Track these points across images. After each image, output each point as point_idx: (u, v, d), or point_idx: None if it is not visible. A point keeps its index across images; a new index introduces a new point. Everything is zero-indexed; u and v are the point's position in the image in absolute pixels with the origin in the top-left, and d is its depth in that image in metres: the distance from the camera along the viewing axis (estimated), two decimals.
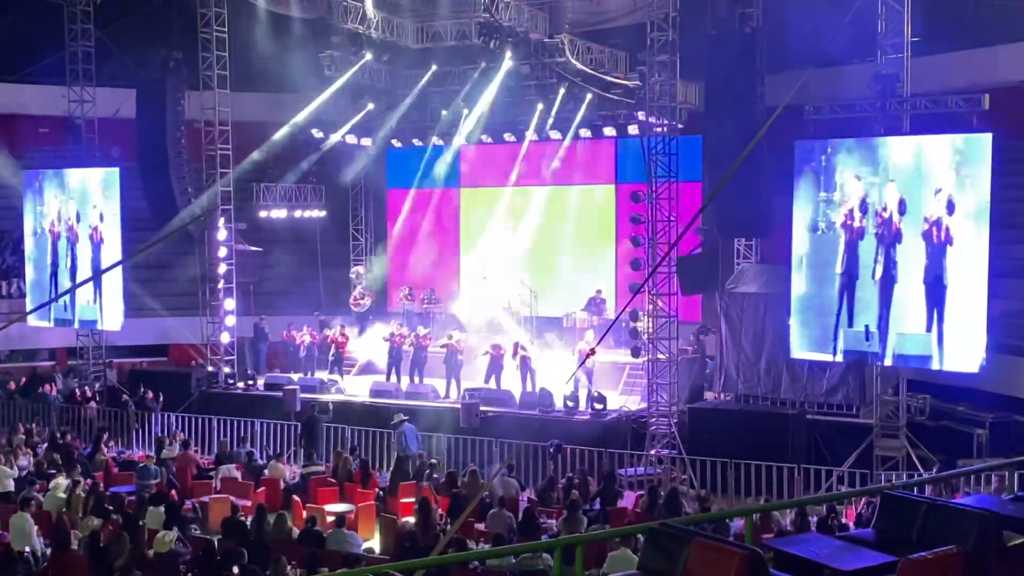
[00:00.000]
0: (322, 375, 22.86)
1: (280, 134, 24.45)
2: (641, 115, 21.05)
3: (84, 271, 23.76)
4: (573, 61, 21.54)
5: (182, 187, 22.96)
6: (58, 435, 19.74)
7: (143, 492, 15.13)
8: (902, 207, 16.41)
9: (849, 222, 16.93)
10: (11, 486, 15.39)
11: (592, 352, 18.36)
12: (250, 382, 22.86)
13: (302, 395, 20.77)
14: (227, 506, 14.14)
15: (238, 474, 16.82)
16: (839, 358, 17.56)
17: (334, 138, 25.51)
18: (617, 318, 19.59)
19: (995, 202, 15.83)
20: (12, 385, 23.93)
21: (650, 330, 19.41)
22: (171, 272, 25.59)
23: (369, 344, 24.33)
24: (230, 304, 23.45)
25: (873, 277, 16.74)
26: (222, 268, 23.36)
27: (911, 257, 16.34)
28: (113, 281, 22.97)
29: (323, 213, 28.11)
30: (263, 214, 27.00)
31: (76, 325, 24.47)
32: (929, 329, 16.26)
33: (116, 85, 24.51)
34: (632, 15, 21.35)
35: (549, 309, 23.81)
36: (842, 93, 19.03)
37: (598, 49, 22.30)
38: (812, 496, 15.64)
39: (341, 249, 27.89)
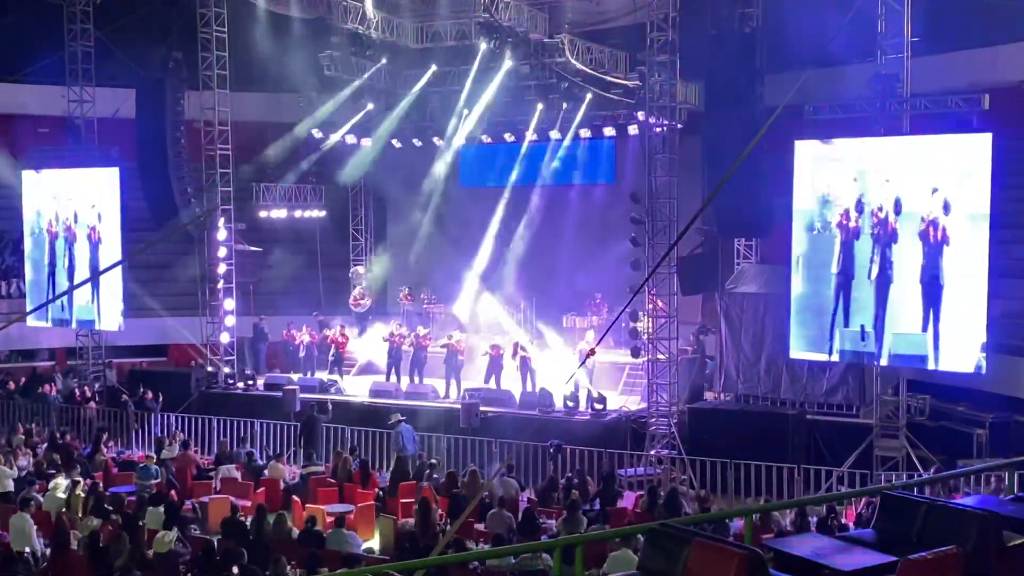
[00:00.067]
0: (322, 375, 22.87)
1: (288, 136, 24.77)
2: (641, 115, 21.07)
3: (82, 271, 23.68)
4: (573, 61, 21.53)
5: (181, 187, 22.90)
6: (58, 435, 19.71)
7: (143, 492, 15.13)
8: (897, 207, 16.36)
9: (845, 222, 16.89)
10: (11, 486, 15.38)
11: (592, 352, 18.38)
12: (250, 382, 22.85)
13: (302, 395, 20.77)
14: (227, 506, 14.12)
15: (238, 474, 16.81)
16: (835, 358, 17.54)
17: (334, 138, 25.52)
18: (617, 318, 19.57)
19: (995, 202, 15.76)
20: (12, 385, 23.90)
21: (650, 330, 19.42)
22: (171, 272, 25.55)
23: (369, 344, 24.35)
24: (230, 304, 23.46)
25: (869, 277, 16.69)
26: (222, 268, 23.37)
27: (907, 257, 16.29)
28: (113, 281, 22.91)
29: (323, 213, 28.13)
30: (263, 214, 27.03)
31: (74, 325, 24.45)
32: (925, 329, 16.23)
33: (116, 85, 24.49)
34: (632, 15, 21.33)
35: (549, 309, 23.79)
36: (842, 93, 19.00)
37: (598, 49, 22.29)
38: (812, 496, 15.65)
39: (341, 249, 27.90)
